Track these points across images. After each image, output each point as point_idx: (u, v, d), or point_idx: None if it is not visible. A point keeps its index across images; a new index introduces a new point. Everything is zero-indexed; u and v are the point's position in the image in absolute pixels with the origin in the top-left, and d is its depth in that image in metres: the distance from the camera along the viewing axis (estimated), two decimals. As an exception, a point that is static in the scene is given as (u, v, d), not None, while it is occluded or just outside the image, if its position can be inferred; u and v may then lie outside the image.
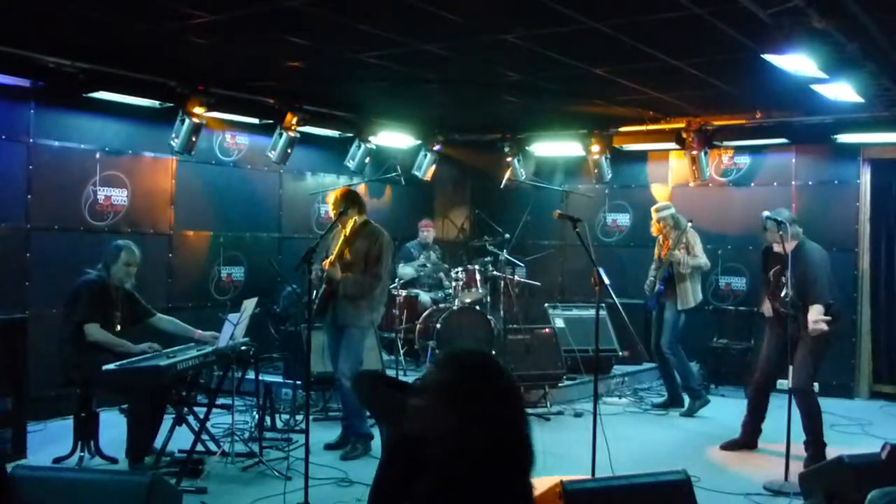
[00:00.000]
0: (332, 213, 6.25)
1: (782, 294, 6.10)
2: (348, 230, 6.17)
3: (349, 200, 6.18)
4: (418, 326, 8.63)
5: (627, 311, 6.22)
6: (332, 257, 6.05)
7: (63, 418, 6.49)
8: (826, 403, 7.94)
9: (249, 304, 5.98)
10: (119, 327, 5.78)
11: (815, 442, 6.02)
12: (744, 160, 9.38)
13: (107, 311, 5.70)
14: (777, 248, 6.13)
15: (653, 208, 7.98)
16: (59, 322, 5.77)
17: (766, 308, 6.22)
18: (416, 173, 10.14)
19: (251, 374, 6.43)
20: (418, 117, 9.59)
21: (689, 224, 7.65)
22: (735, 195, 9.36)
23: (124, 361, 5.32)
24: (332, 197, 6.29)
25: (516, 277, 9.07)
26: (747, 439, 6.47)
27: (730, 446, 6.47)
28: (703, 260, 7.71)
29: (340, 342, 6.10)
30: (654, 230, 7.94)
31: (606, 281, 5.24)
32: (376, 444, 6.21)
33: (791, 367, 5.82)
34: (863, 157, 8.67)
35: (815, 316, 5.88)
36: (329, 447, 6.17)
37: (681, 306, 7.58)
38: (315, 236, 8.67)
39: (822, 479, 4.49)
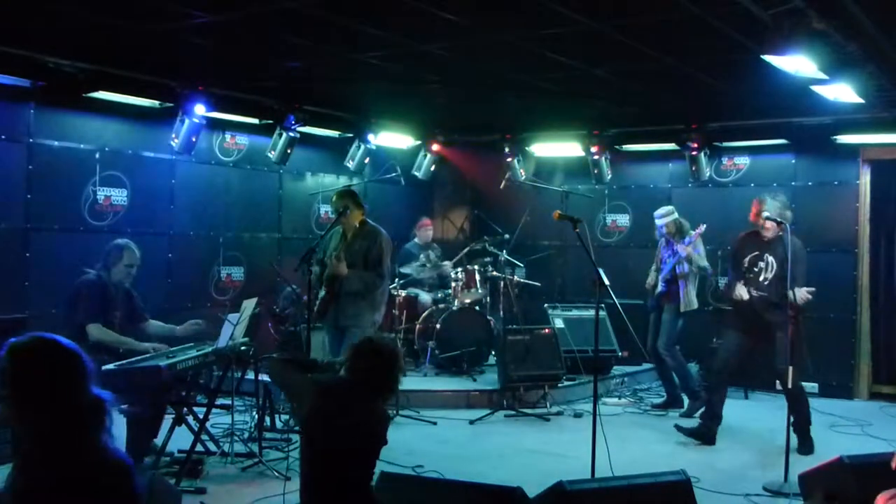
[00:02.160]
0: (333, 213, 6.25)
1: (760, 278, 6.30)
2: (348, 230, 6.18)
3: (349, 200, 6.19)
4: (418, 327, 8.64)
5: (627, 311, 6.22)
6: (338, 252, 6.05)
7: (62, 418, 6.47)
8: (826, 404, 8.01)
9: (249, 305, 5.97)
10: (118, 327, 5.76)
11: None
12: (743, 161, 9.38)
13: (107, 311, 5.69)
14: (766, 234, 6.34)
15: (655, 213, 7.93)
16: (60, 323, 5.73)
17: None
18: (416, 174, 10.14)
19: (251, 375, 6.43)
20: (418, 117, 9.60)
21: (703, 227, 7.58)
22: (735, 196, 9.36)
23: (124, 361, 5.31)
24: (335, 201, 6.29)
25: (516, 278, 9.07)
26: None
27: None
28: (706, 263, 7.72)
29: (342, 343, 6.10)
30: (657, 234, 7.91)
31: (606, 281, 5.23)
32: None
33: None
34: (862, 157, 8.66)
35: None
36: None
37: (683, 308, 7.57)
38: (315, 236, 8.68)
39: (821, 479, 4.49)
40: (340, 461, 3.47)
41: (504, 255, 8.98)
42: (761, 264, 6.33)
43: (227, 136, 8.56)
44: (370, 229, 6.21)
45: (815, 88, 6.16)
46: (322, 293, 6.19)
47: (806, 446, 6.28)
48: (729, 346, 6.60)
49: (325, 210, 9.59)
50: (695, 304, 7.64)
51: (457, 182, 11.23)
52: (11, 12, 5.49)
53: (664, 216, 7.82)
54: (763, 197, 6.35)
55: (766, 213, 6.18)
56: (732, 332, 6.58)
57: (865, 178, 8.71)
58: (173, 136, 7.52)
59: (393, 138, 9.65)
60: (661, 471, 4.08)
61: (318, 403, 3.59)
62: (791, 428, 6.07)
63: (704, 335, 8.90)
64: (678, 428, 6.76)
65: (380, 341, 3.79)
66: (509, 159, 10.11)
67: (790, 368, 5.69)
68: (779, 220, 6.06)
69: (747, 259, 6.40)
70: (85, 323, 5.56)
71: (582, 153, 9.72)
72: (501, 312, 8.81)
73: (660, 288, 7.68)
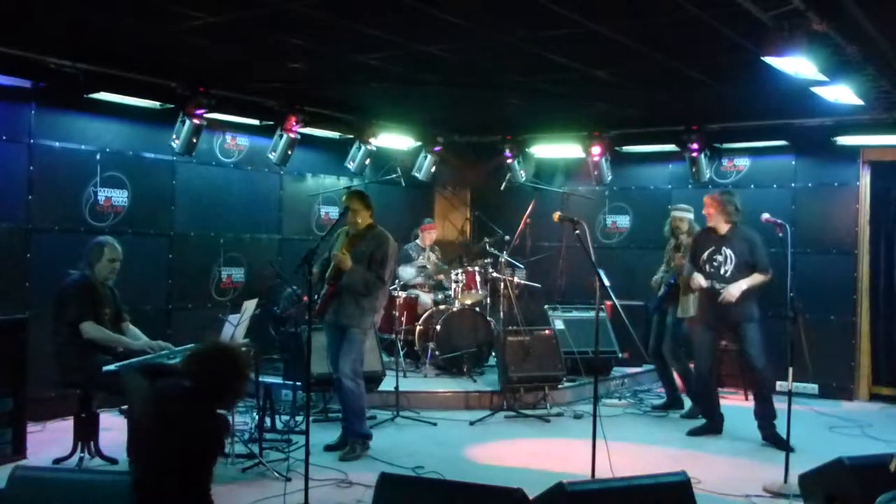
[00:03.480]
0: (352, 215, 6.17)
1: (721, 271, 6.56)
2: (355, 230, 6.17)
3: (354, 200, 6.18)
4: (418, 328, 8.64)
5: (627, 312, 6.23)
6: (343, 248, 6.03)
7: (63, 419, 6.49)
8: (825, 405, 8.01)
9: (249, 305, 5.98)
10: (109, 325, 5.73)
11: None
12: (743, 162, 9.38)
13: (97, 309, 5.65)
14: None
15: (673, 207, 7.86)
16: (52, 327, 5.67)
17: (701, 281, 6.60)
18: (417, 175, 10.15)
19: (251, 376, 6.42)
20: (418, 119, 9.60)
21: None
22: (735, 197, 9.35)
23: (124, 362, 5.31)
24: (350, 202, 6.24)
25: (516, 279, 9.07)
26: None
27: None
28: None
29: (341, 343, 6.10)
30: (667, 229, 7.84)
31: (606, 283, 5.24)
32: (376, 444, 6.22)
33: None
34: (862, 159, 8.67)
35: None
36: (329, 448, 6.18)
37: (680, 314, 7.50)
38: (315, 238, 8.68)
39: (821, 480, 4.49)
40: (172, 467, 3.40)
41: (504, 257, 8.98)
42: (719, 258, 6.58)
43: (228, 137, 8.56)
44: (378, 232, 6.21)
45: (816, 90, 6.17)
46: (323, 290, 6.16)
47: (782, 443, 6.21)
48: (701, 348, 6.83)
49: (326, 211, 9.60)
50: (690, 312, 7.43)
51: (457, 183, 11.25)
52: (12, 13, 5.50)
53: (678, 210, 7.72)
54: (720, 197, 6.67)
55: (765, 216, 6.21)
56: (700, 332, 6.83)
57: (865, 180, 8.71)
58: (174, 137, 7.52)
59: (393, 139, 9.65)
60: (662, 472, 4.08)
61: (151, 409, 3.52)
62: (764, 432, 6.18)
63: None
64: (691, 433, 6.87)
65: (223, 346, 3.66)
66: (510, 160, 10.12)
67: (790, 369, 5.68)
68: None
69: (705, 254, 6.66)
70: (78, 321, 5.51)
71: (582, 154, 9.73)
72: (501, 314, 8.81)
73: (662, 290, 7.62)
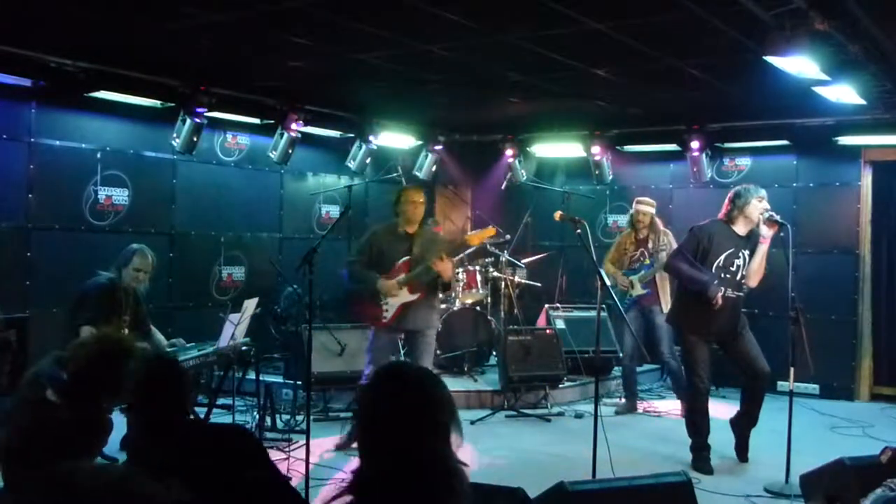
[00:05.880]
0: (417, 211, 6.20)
1: (738, 277, 5.83)
2: (413, 229, 6.22)
3: (423, 194, 6.37)
4: (419, 327, 8.62)
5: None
6: (443, 251, 6.04)
7: (63, 418, 6.47)
8: (826, 405, 8.01)
9: (250, 305, 5.98)
10: (126, 331, 5.73)
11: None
12: (745, 162, 9.36)
13: (112, 314, 5.65)
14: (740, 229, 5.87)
15: (640, 199, 7.77)
16: (65, 322, 5.69)
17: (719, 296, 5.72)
18: (417, 174, 10.14)
19: (252, 375, 6.43)
20: (419, 118, 9.60)
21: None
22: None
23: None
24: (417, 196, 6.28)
25: (517, 278, 9.06)
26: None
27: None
28: None
29: (416, 349, 6.16)
30: (630, 220, 7.75)
31: (608, 282, 5.23)
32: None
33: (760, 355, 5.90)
34: (864, 159, 8.66)
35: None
36: (339, 447, 6.17)
37: (664, 310, 7.41)
38: (316, 236, 8.67)
39: (822, 480, 4.49)
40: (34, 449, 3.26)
41: (505, 256, 8.97)
42: (738, 262, 5.81)
43: (229, 135, 8.56)
44: (429, 229, 6.34)
45: (817, 90, 6.15)
46: (401, 297, 6.04)
47: (745, 453, 6.10)
48: (704, 365, 5.94)
49: (327, 210, 9.60)
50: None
51: (458, 182, 11.24)
52: (13, 12, 5.49)
53: (642, 203, 7.65)
54: (756, 192, 5.85)
55: (769, 214, 5.81)
56: (699, 345, 5.88)
57: (867, 180, 8.71)
58: (174, 135, 7.52)
59: (394, 138, 9.64)
60: (663, 472, 4.08)
61: (18, 392, 3.41)
62: (739, 429, 6.10)
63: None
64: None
65: (105, 338, 3.51)
66: (511, 160, 10.12)
67: (791, 369, 5.67)
68: (780, 220, 5.75)
69: (722, 257, 5.78)
70: (82, 325, 5.51)
71: (583, 154, 9.73)
72: (502, 313, 8.80)
73: (646, 290, 7.56)
